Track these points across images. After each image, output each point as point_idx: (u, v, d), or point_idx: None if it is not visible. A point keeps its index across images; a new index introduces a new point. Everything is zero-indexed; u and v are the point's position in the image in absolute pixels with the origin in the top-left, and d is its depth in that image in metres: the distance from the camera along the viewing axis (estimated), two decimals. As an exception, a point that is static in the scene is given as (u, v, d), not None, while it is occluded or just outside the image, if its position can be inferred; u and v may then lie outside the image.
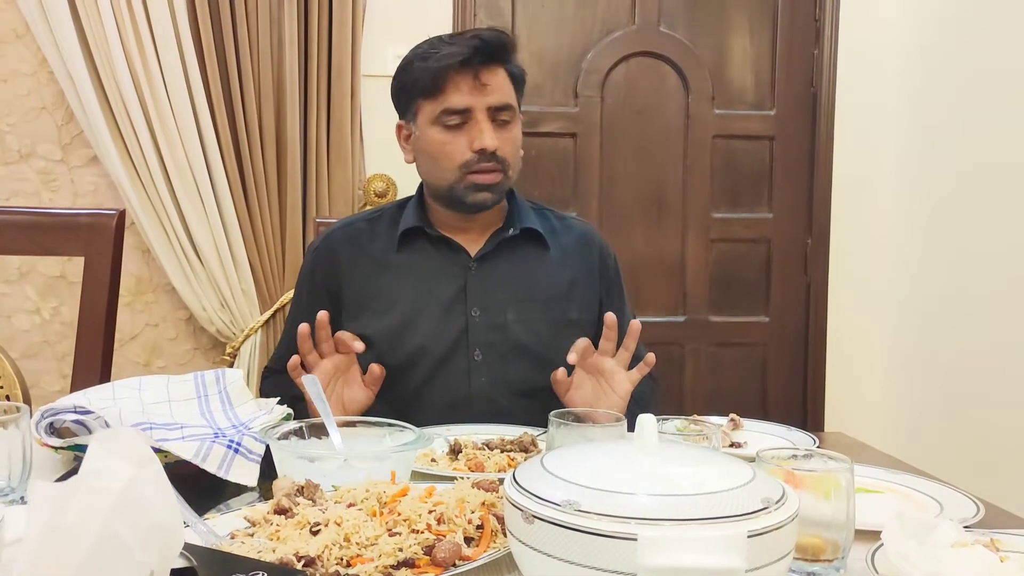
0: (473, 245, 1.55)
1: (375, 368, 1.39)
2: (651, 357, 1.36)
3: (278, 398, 1.30)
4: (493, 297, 1.51)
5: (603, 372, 1.38)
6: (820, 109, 3.05)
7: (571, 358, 1.35)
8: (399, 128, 1.57)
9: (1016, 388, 2.49)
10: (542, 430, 1.26)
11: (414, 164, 1.56)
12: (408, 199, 1.62)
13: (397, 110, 1.57)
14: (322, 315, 1.35)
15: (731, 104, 3.06)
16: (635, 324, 1.37)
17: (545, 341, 1.50)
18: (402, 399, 1.47)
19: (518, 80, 1.52)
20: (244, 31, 2.59)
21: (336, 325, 1.54)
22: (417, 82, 1.48)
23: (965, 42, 2.76)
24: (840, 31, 3.03)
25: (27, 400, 1.55)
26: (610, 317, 1.36)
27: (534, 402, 1.47)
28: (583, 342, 1.36)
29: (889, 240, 3.08)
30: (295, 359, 1.32)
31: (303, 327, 1.34)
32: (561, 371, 1.39)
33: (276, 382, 1.56)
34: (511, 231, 1.55)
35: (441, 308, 1.50)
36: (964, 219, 2.74)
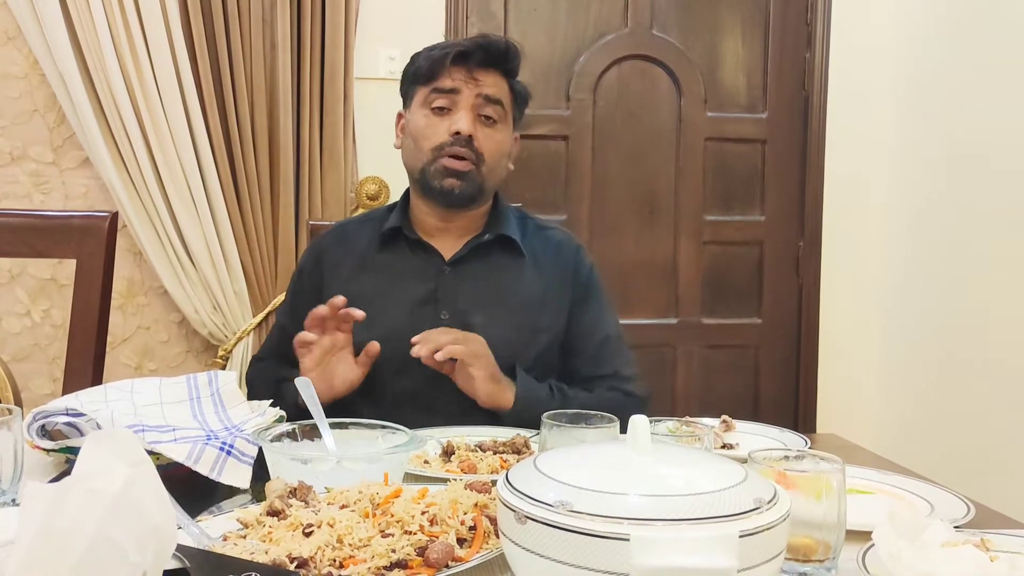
0: (449, 249, 1.57)
1: (373, 345, 1.43)
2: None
3: (271, 400, 1.30)
4: (463, 300, 1.54)
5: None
6: (812, 112, 3.06)
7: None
8: (399, 117, 1.63)
9: (1008, 390, 2.50)
10: (534, 432, 1.26)
11: (400, 152, 1.61)
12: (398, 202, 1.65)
13: (402, 101, 1.64)
14: (339, 299, 1.40)
15: (723, 107, 3.07)
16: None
17: (512, 347, 1.51)
18: (373, 397, 1.49)
19: (519, 96, 1.59)
20: (237, 33, 2.59)
21: None
22: (419, 69, 1.54)
23: (956, 45, 2.78)
24: (832, 34, 3.04)
25: (18, 403, 1.54)
26: None
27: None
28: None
29: (881, 242, 3.09)
30: (302, 335, 1.39)
31: (319, 309, 1.40)
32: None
33: (260, 369, 1.62)
34: (486, 236, 1.57)
35: (412, 309, 1.53)
36: (955, 221, 2.75)
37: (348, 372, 1.43)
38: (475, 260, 1.56)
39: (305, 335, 1.40)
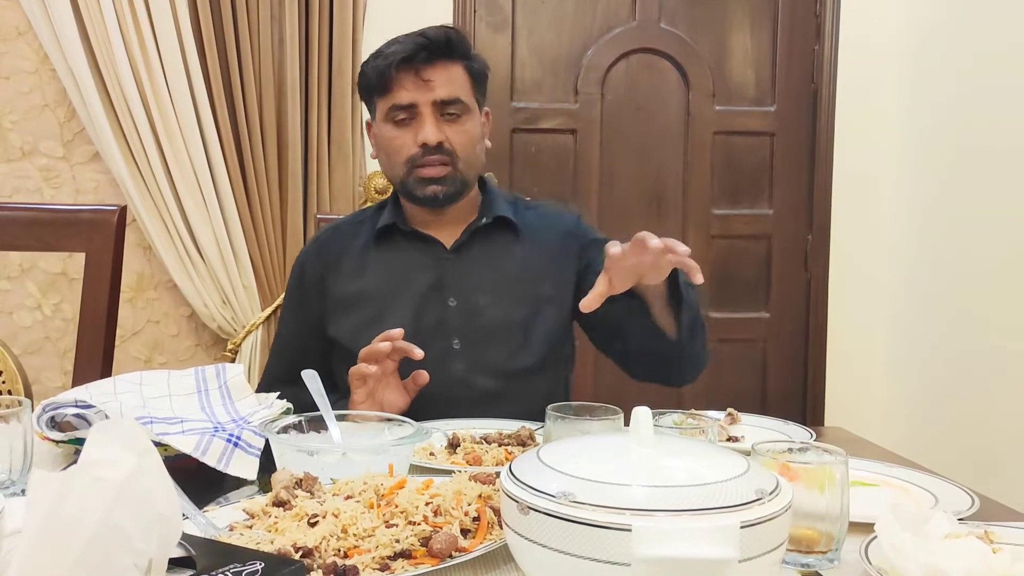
0: (447, 238, 1.59)
1: (422, 374, 1.40)
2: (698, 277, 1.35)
3: (278, 393, 1.31)
4: (469, 284, 1.55)
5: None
6: (820, 105, 3.05)
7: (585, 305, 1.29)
8: (368, 126, 1.63)
9: (1016, 384, 2.49)
10: (539, 424, 1.26)
11: (377, 160, 1.61)
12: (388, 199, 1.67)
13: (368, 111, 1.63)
14: (397, 331, 1.36)
15: (731, 100, 3.06)
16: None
17: (521, 321, 1.53)
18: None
19: (477, 75, 1.56)
20: (245, 28, 2.60)
21: (322, 324, 1.57)
22: (371, 81, 1.54)
23: (965, 37, 2.76)
24: (840, 27, 3.03)
25: (29, 395, 1.56)
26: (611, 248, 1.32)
27: (511, 384, 1.50)
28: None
29: (889, 236, 3.08)
30: (360, 370, 1.34)
31: (382, 347, 1.34)
32: (613, 247, 1.33)
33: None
34: (484, 220, 1.59)
35: (417, 300, 1.53)
36: (964, 214, 2.74)
37: (397, 400, 1.40)
38: (475, 244, 1.58)
39: (363, 368, 1.35)
